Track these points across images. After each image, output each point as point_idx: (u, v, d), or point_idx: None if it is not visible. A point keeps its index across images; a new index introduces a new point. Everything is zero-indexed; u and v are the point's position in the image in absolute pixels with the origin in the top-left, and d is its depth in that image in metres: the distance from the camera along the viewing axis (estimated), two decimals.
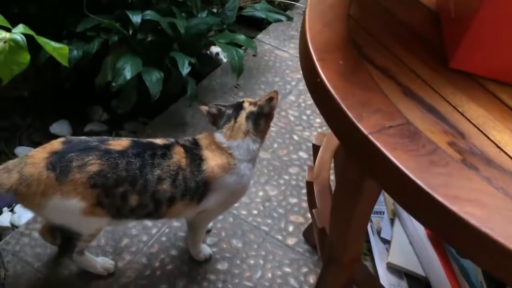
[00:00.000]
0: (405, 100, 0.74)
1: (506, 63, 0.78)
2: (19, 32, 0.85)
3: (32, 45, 1.65)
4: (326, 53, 0.80)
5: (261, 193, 1.62)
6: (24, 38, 0.86)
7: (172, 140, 1.22)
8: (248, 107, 1.23)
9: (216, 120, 1.25)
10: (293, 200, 1.61)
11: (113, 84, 1.58)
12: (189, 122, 1.84)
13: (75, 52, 1.61)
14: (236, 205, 1.54)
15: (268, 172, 1.69)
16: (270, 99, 1.22)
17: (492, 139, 0.70)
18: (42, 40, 0.89)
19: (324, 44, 0.82)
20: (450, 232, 0.62)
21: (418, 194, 0.62)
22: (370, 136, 0.67)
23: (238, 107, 1.24)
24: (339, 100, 0.72)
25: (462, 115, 0.73)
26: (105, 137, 1.18)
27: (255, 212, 1.57)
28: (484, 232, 0.58)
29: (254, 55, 2.02)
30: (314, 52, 0.79)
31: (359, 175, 0.80)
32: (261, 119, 1.23)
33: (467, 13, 0.78)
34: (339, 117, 0.72)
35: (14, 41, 0.85)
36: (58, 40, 1.64)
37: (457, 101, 0.75)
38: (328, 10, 0.90)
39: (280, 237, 1.50)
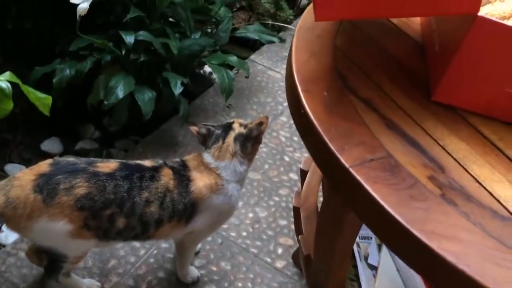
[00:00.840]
0: (387, 133, 0.75)
1: (487, 97, 0.79)
2: (5, 79, 0.86)
3: (24, 62, 1.66)
4: (311, 84, 0.81)
5: (250, 215, 1.62)
6: (10, 87, 0.86)
7: (160, 161, 1.22)
8: (237, 128, 1.24)
9: (205, 140, 1.26)
10: (283, 222, 1.61)
11: (105, 103, 1.58)
12: (181, 141, 1.85)
13: (67, 71, 1.62)
14: (225, 226, 1.54)
15: (258, 193, 1.69)
16: (260, 124, 1.23)
17: (472, 173, 0.71)
18: (26, 89, 0.89)
19: (309, 74, 0.83)
20: (427, 267, 0.62)
21: (396, 228, 0.62)
22: (351, 169, 0.68)
23: (228, 127, 1.25)
24: (322, 132, 0.73)
25: (443, 148, 0.74)
26: (94, 158, 1.18)
27: (244, 234, 1.56)
28: (461, 269, 0.58)
29: (246, 77, 2.03)
30: (299, 83, 0.81)
31: (342, 206, 0.81)
32: (249, 142, 1.23)
33: (450, 47, 0.79)
34: (321, 149, 0.72)
35: (0, 88, 0.85)
36: (51, 58, 1.68)
37: (439, 134, 0.76)
38: (315, 40, 0.91)
39: (269, 260, 1.50)
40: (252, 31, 2.01)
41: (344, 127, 0.74)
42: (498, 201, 0.67)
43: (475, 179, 0.70)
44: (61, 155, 1.77)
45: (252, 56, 2.31)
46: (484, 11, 0.83)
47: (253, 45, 2.34)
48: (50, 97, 0.92)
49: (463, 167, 0.72)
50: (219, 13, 1.91)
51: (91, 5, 1.39)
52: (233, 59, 1.83)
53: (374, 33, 0.94)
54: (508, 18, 0.83)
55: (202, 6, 1.88)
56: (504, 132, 0.78)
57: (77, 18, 1.37)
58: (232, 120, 1.28)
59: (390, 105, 0.80)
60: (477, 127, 0.79)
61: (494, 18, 0.78)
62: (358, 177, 0.67)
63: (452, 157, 0.73)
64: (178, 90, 1.65)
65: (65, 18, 1.57)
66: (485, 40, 0.74)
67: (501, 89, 0.78)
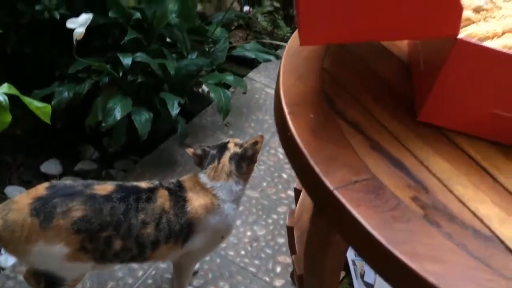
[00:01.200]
0: (372, 155, 0.76)
1: (472, 117, 0.80)
2: (2, 92, 0.87)
3: (24, 86, 1.68)
4: (298, 106, 0.82)
5: (249, 233, 1.63)
6: (7, 99, 0.88)
7: (156, 183, 1.23)
8: (232, 148, 1.25)
9: (201, 161, 1.27)
10: (281, 240, 1.62)
11: (103, 124, 1.61)
12: (179, 161, 1.86)
13: (66, 93, 1.65)
14: (223, 245, 1.55)
15: (256, 212, 1.70)
16: (255, 143, 1.24)
17: (456, 193, 0.71)
18: (26, 100, 0.91)
19: (296, 97, 0.84)
20: None
21: (380, 251, 0.63)
22: (335, 192, 0.69)
23: (223, 147, 1.26)
24: (307, 155, 0.74)
25: (428, 169, 0.75)
26: (90, 181, 1.20)
27: (242, 252, 1.57)
28: None
29: (244, 93, 2.05)
30: (285, 106, 0.82)
31: (328, 228, 0.81)
32: (244, 162, 1.24)
33: (434, 68, 0.80)
34: (307, 171, 0.73)
35: None
36: (50, 80, 1.71)
37: (424, 155, 0.77)
38: (302, 63, 0.92)
39: (267, 279, 1.50)
40: (249, 50, 2.03)
41: (330, 150, 0.75)
42: (481, 220, 0.68)
43: (459, 199, 0.71)
44: (60, 176, 1.79)
45: (250, 74, 2.33)
46: (468, 31, 0.84)
47: (251, 63, 2.36)
48: (49, 106, 0.94)
49: (447, 187, 0.72)
50: (215, 33, 1.94)
51: (89, 29, 1.42)
52: (229, 78, 1.85)
53: (362, 54, 0.96)
54: (492, 38, 0.84)
55: (199, 27, 1.91)
56: (489, 152, 0.79)
57: (74, 42, 1.39)
58: (227, 140, 1.30)
59: (377, 127, 0.81)
60: (462, 147, 0.79)
61: (476, 39, 0.80)
62: (342, 200, 0.68)
63: (437, 177, 0.73)
64: (175, 110, 1.67)
65: (64, 42, 1.60)
66: (467, 62, 0.75)
67: (486, 109, 0.79)
